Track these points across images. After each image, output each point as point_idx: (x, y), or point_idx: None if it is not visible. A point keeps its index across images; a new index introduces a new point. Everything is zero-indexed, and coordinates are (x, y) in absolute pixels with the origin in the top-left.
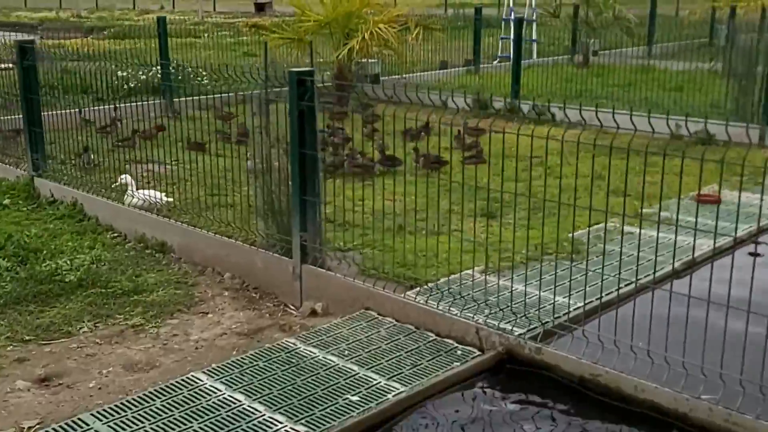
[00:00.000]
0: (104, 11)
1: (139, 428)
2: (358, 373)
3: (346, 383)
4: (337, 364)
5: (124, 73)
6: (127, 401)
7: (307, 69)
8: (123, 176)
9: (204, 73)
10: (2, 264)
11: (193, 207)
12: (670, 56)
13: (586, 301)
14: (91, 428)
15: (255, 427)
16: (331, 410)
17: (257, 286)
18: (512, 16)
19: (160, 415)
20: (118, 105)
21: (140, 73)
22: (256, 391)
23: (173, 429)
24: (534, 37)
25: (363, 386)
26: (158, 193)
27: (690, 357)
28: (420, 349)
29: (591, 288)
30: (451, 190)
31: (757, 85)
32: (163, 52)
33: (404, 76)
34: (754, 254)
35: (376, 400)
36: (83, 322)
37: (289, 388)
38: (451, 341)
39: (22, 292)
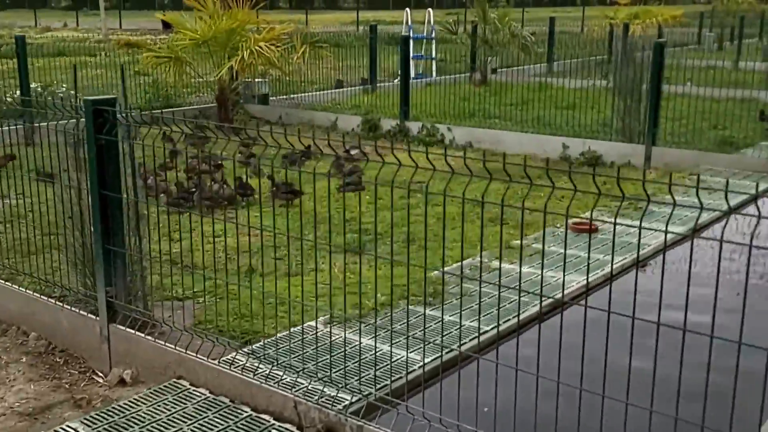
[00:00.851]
0: (3, 29)
1: None
2: None
3: None
4: None
5: None
6: None
7: (107, 97)
8: None
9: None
10: None
11: (7, 252)
12: (568, 73)
13: (428, 360)
14: None
15: None
16: None
17: (64, 349)
18: (411, 34)
19: None
20: None
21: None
22: None
23: None
24: (433, 54)
25: None
26: None
27: None
28: (229, 430)
29: (447, 337)
30: (317, 222)
31: (642, 103)
32: (22, 74)
33: (295, 96)
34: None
35: None
36: None
37: None
38: (267, 417)
39: None
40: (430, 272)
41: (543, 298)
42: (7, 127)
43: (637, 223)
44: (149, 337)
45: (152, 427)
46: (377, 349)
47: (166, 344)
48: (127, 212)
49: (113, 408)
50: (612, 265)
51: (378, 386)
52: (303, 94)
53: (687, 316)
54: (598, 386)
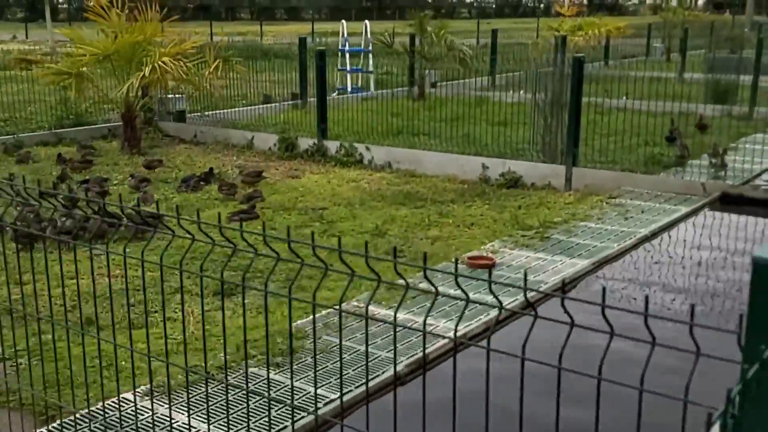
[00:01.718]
0: None
1: None
2: None
3: None
4: None
5: None
6: None
7: None
8: None
9: None
10: None
11: None
12: (509, 87)
13: None
14: None
15: None
16: None
17: None
18: (347, 47)
19: None
20: None
21: None
22: None
23: None
24: (370, 68)
25: None
26: None
27: None
28: None
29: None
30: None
31: (562, 122)
32: None
33: (217, 112)
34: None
35: None
36: None
37: None
38: None
39: None
40: (294, 320)
41: (410, 356)
42: None
43: (543, 255)
44: None
45: None
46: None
47: None
48: None
49: None
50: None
51: None
52: (226, 111)
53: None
54: None
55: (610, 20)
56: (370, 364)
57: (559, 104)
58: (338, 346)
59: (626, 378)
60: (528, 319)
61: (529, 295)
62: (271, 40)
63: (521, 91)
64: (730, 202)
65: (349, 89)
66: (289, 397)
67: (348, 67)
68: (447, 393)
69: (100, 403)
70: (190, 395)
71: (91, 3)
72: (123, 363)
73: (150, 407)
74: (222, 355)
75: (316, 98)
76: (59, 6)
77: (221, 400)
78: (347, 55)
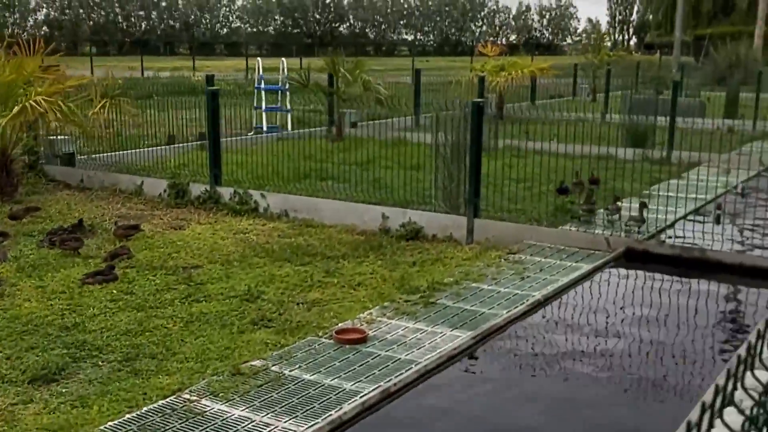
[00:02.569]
0: None
1: None
2: None
3: None
4: None
5: None
6: None
7: None
8: None
9: None
10: None
11: None
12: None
13: None
14: None
15: None
16: None
17: None
18: (262, 85)
19: None
20: None
21: None
22: None
23: None
24: (288, 106)
25: None
26: None
27: None
28: None
29: None
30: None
31: (463, 169)
32: None
33: (104, 155)
34: None
35: None
36: None
37: None
38: None
39: None
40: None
41: None
42: None
43: (423, 325)
44: None
45: None
46: None
47: None
48: None
49: None
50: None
51: None
52: (121, 153)
53: None
54: None
55: (533, 60)
56: None
57: (460, 150)
58: None
59: None
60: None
61: (387, 385)
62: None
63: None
64: (634, 258)
65: (264, 128)
66: None
67: (264, 106)
68: None
69: None
70: None
71: None
72: None
73: None
74: None
75: (208, 141)
76: None
77: None
78: (263, 94)
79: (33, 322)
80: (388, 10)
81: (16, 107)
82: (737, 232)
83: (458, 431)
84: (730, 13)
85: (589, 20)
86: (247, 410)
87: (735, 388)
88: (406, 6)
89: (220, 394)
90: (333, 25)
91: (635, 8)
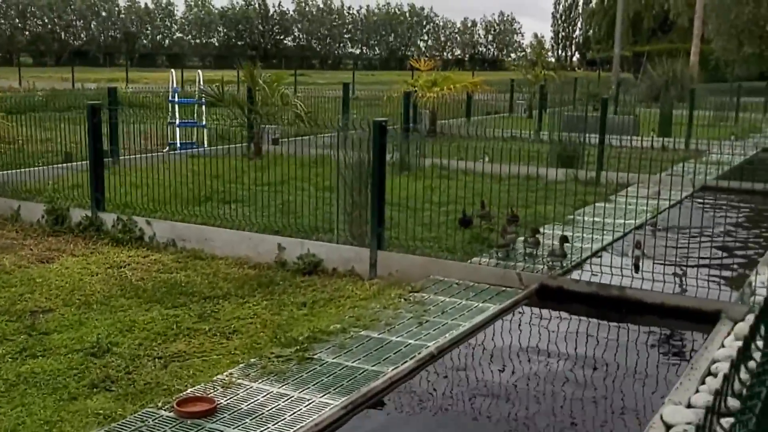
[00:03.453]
0: None
1: None
2: None
3: None
4: None
5: None
6: None
7: None
8: None
9: None
10: None
11: None
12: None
13: None
14: None
15: None
16: None
17: None
18: (176, 98)
19: None
20: None
21: None
22: None
23: None
24: (204, 122)
25: None
26: None
27: None
28: None
29: None
30: None
31: (365, 196)
32: None
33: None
34: None
35: None
36: None
37: None
38: None
39: None
40: None
41: None
42: None
43: (290, 390)
44: None
45: None
46: None
47: None
48: None
49: None
50: None
51: None
52: (4, 172)
53: None
54: None
55: (466, 76)
56: None
57: (363, 174)
58: None
59: None
60: None
61: None
62: (134, 88)
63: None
64: (548, 296)
65: (178, 145)
66: None
67: (177, 120)
68: None
69: None
70: None
71: None
72: None
73: None
74: None
75: (89, 162)
76: None
77: None
78: (176, 108)
79: None
80: (333, 24)
81: None
82: (660, 268)
83: None
84: (669, 31)
85: (535, 36)
86: None
87: None
88: (350, 20)
89: None
90: (278, 37)
91: (578, 24)
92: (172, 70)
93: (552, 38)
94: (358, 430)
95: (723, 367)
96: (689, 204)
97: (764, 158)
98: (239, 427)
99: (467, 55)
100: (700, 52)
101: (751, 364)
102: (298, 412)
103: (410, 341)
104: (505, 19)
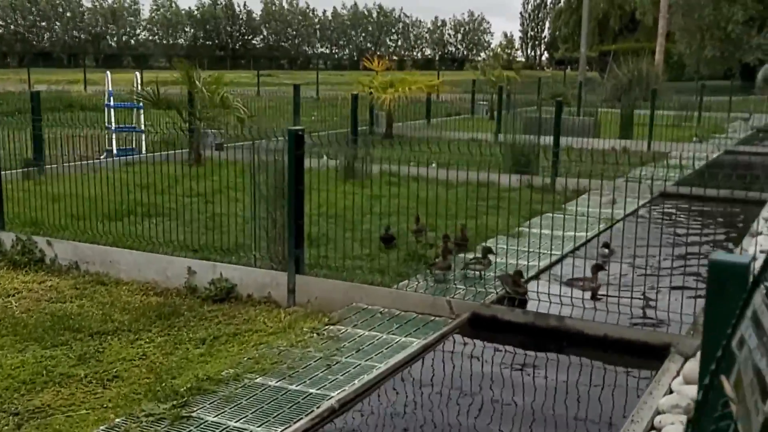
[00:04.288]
0: None
1: None
2: None
3: None
4: None
5: None
6: None
7: None
8: None
9: None
10: None
11: None
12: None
13: None
14: None
15: None
16: None
17: None
18: (111, 102)
19: None
20: None
21: None
22: None
23: None
24: (143, 126)
25: None
26: None
27: None
28: None
29: None
30: None
31: (283, 215)
32: None
33: None
34: None
35: None
36: None
37: None
38: None
39: None
40: None
41: None
42: None
43: None
44: None
45: None
46: None
47: None
48: None
49: None
50: None
51: None
52: None
53: None
54: None
55: (424, 77)
56: None
57: (279, 192)
58: None
59: None
60: None
61: None
62: (94, 90)
63: (324, 158)
64: (480, 326)
65: (114, 151)
66: None
67: (113, 126)
68: None
69: None
70: None
71: None
72: None
73: None
74: None
75: None
76: None
77: None
78: (112, 111)
79: None
80: (301, 24)
81: None
82: (608, 293)
83: None
84: (636, 30)
85: (504, 35)
86: None
87: None
88: (317, 20)
89: None
90: (246, 38)
91: (546, 24)
92: (108, 72)
93: (521, 38)
94: None
95: (668, 421)
96: (646, 213)
97: (726, 160)
98: None
99: (437, 55)
100: (666, 51)
101: None
102: None
103: (311, 390)
104: (474, 18)
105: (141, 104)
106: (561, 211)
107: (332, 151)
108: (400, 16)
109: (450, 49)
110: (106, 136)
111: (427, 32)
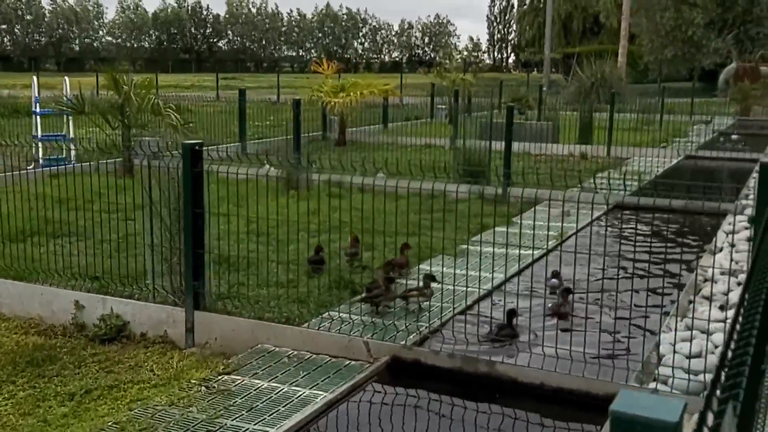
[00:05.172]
0: None
1: None
2: None
3: None
4: None
5: None
6: None
7: None
8: None
9: None
10: None
11: None
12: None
13: None
14: None
15: None
16: None
17: None
18: (38, 109)
19: None
20: None
21: None
22: None
23: None
24: (71, 134)
25: None
26: None
27: None
28: None
29: None
30: None
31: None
32: None
33: None
34: None
35: None
36: None
37: None
38: None
39: None
40: None
41: None
42: None
43: None
44: None
45: None
46: None
47: None
48: None
49: None
50: None
51: None
52: None
53: None
54: None
55: (378, 80)
56: None
57: (175, 211)
58: None
59: None
60: None
61: None
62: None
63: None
64: (401, 372)
65: (41, 160)
66: None
67: (40, 134)
68: None
69: None
70: None
71: None
72: None
73: None
74: None
75: None
76: None
77: None
78: (38, 119)
79: None
80: (268, 27)
81: None
82: (546, 333)
83: None
84: (600, 32)
85: (471, 39)
86: None
87: None
88: (283, 23)
89: None
90: (211, 40)
91: (513, 27)
92: (34, 77)
93: (488, 40)
94: None
95: None
96: (599, 228)
97: (687, 166)
98: None
99: (404, 58)
100: (630, 53)
101: None
102: None
103: None
104: (440, 21)
105: (69, 111)
106: (510, 225)
107: (276, 161)
108: (366, 18)
109: (417, 52)
110: (32, 146)
111: (394, 35)
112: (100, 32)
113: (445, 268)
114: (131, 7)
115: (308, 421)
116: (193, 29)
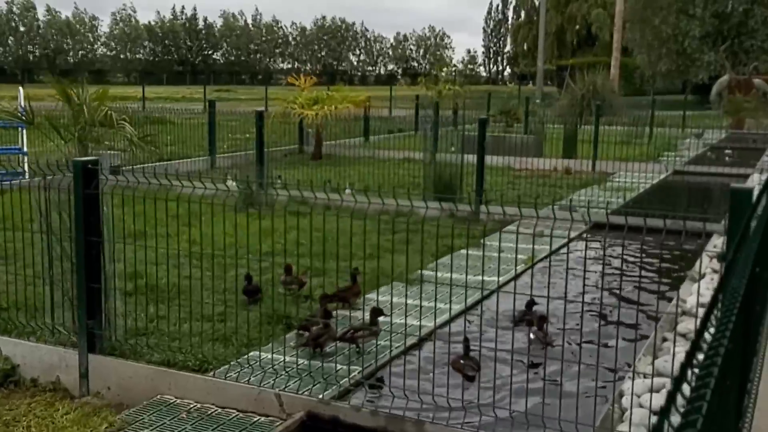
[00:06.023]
0: None
1: None
2: None
3: None
4: None
5: None
6: None
7: None
8: None
9: None
10: None
11: None
12: (230, 169)
13: None
14: None
15: None
16: None
17: None
18: None
19: None
20: None
21: None
22: None
23: None
24: (25, 147)
25: None
26: None
27: None
28: None
29: None
30: None
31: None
32: None
33: None
34: None
35: None
36: None
37: None
38: None
39: None
40: None
41: None
42: None
43: None
44: None
45: None
46: None
47: None
48: None
49: None
50: None
51: None
52: None
53: None
54: None
55: (355, 93)
56: None
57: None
58: None
59: None
60: None
61: None
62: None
63: (230, 180)
64: (318, 430)
65: None
66: None
67: None
68: None
69: None
70: None
71: None
72: None
73: None
74: None
75: None
76: None
77: None
78: None
79: None
80: (264, 39)
81: None
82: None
83: None
84: (593, 44)
85: (467, 51)
86: None
87: None
88: (280, 35)
89: None
90: (206, 53)
91: (508, 39)
92: (20, 87)
93: (484, 53)
94: None
95: None
96: (576, 249)
97: (674, 182)
98: None
99: (399, 70)
100: (623, 65)
101: None
102: None
103: None
104: (436, 33)
105: (23, 124)
106: (478, 248)
107: (239, 175)
108: (362, 31)
109: (413, 64)
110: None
111: (389, 47)
112: (96, 44)
113: (395, 298)
114: (125, 20)
115: None
116: (188, 41)
